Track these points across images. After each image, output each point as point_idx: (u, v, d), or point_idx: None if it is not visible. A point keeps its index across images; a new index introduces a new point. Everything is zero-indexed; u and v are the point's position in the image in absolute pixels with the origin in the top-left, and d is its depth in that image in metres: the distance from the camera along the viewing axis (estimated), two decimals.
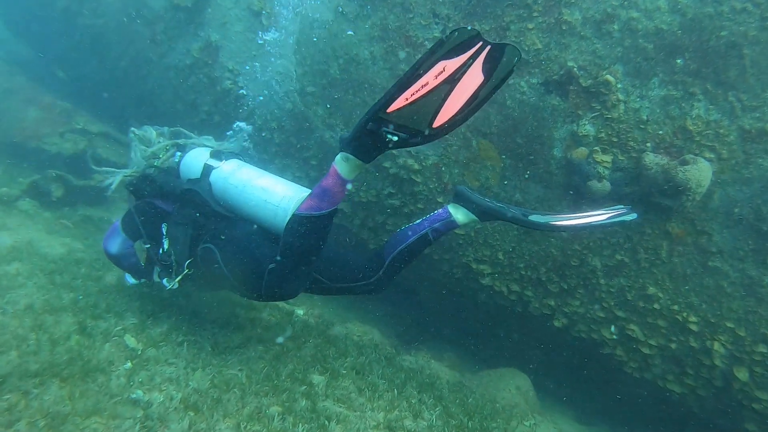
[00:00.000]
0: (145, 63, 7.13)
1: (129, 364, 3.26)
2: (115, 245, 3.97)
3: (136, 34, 7.05)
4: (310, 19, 5.26)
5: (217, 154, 3.90)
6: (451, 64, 2.48)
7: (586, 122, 3.91)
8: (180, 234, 3.65)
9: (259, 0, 5.60)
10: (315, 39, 5.24)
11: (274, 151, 5.80)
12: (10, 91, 7.84)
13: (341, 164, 2.97)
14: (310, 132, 5.57)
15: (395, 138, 2.65)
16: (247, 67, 5.89)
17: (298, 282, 3.33)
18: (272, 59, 5.65)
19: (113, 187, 3.97)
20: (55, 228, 5.57)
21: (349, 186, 3.05)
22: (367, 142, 2.77)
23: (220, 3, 5.98)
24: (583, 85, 3.86)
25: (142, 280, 4.13)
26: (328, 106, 5.32)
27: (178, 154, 4.03)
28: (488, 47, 2.46)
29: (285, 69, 5.58)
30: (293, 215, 3.11)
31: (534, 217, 3.20)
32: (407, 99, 2.53)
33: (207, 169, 3.75)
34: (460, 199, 3.29)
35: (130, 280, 4.17)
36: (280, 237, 3.26)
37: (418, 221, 3.43)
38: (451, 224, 3.32)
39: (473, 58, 2.48)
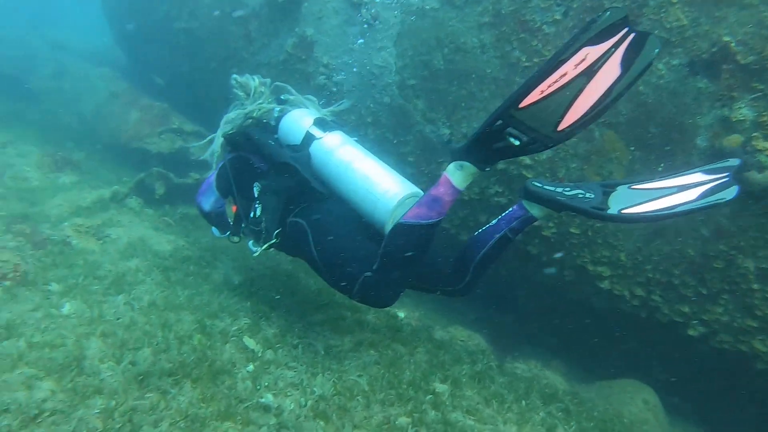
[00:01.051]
0: (237, 62, 7.17)
1: (251, 367, 3.17)
2: (209, 203, 3.90)
3: (229, 33, 7.11)
4: (413, 8, 5.05)
5: (321, 123, 3.63)
6: (593, 52, 2.20)
7: (743, 105, 3.45)
8: (272, 202, 3.49)
9: None
10: (418, 29, 5.02)
11: (369, 147, 5.65)
12: (115, 95, 8.19)
13: (455, 173, 2.78)
14: (409, 127, 5.37)
15: (517, 142, 2.45)
16: (343, 61, 5.77)
17: (394, 292, 3.11)
18: (370, 52, 5.49)
19: (217, 149, 3.90)
20: (159, 225, 5.68)
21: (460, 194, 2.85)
22: (487, 146, 2.58)
23: None
24: (742, 62, 3.40)
25: (227, 234, 4.01)
26: (431, 98, 5.09)
27: (278, 108, 3.88)
28: (632, 35, 2.18)
29: (384, 61, 5.40)
30: (399, 223, 2.90)
31: (614, 203, 2.74)
32: (542, 92, 2.28)
33: (308, 138, 3.53)
34: (532, 197, 2.96)
35: (217, 233, 4.08)
36: (375, 227, 3.13)
37: (494, 222, 3.13)
38: (528, 220, 3.01)
39: (615, 46, 2.20)
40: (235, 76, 4.02)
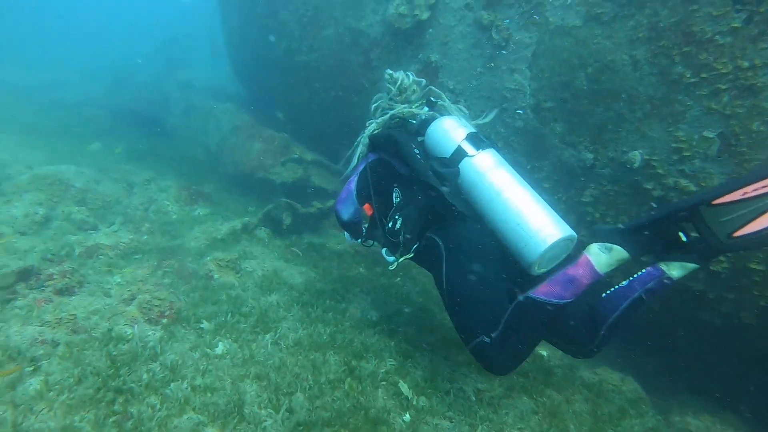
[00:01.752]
0: (357, 90, 7.23)
1: (408, 417, 2.97)
2: (348, 213, 3.71)
3: (349, 62, 7.18)
4: (551, 27, 4.75)
5: (474, 139, 3.36)
6: None
7: None
8: (413, 215, 3.29)
9: (489, 13, 5.24)
10: (557, 48, 4.71)
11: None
12: (238, 128, 8.56)
13: (599, 255, 2.55)
14: (545, 151, 5.04)
15: (684, 238, 2.35)
16: (471, 86, 5.57)
17: (511, 364, 2.83)
18: (502, 75, 5.24)
19: (362, 149, 3.79)
20: (287, 256, 5.72)
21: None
22: (653, 234, 2.40)
23: (442, 22, 5.77)
24: None
25: (359, 240, 3.82)
26: (571, 121, 4.74)
27: (425, 110, 3.70)
28: None
29: (517, 84, 5.12)
30: (528, 298, 2.67)
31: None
32: (745, 194, 2.11)
33: (459, 153, 3.30)
34: (670, 257, 2.53)
35: (349, 238, 3.93)
36: (518, 263, 2.95)
37: (625, 283, 2.72)
38: (667, 282, 2.58)
39: None
40: (389, 71, 3.87)
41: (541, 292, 2.66)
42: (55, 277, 4.04)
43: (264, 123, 8.54)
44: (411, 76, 3.87)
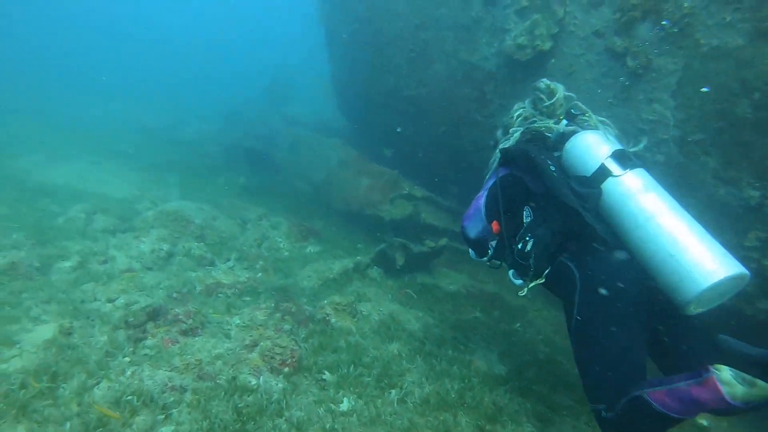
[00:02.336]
0: (468, 124, 6.98)
1: None
2: (475, 230, 3.45)
3: (460, 97, 6.97)
4: (702, 50, 4.23)
5: (621, 157, 3.01)
6: None
7: None
8: (546, 238, 3.01)
9: (623, 39, 4.80)
10: (710, 72, 4.17)
11: None
12: (346, 163, 8.59)
13: (733, 386, 2.10)
14: (692, 188, 4.45)
15: None
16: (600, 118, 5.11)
17: None
18: (638, 105, 4.76)
19: (493, 164, 3.56)
20: (401, 298, 5.49)
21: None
22: None
23: (566, 51, 5.39)
24: None
25: (485, 259, 3.55)
26: (729, 154, 4.14)
27: (565, 123, 3.41)
28: None
29: (656, 115, 4.62)
30: (639, 396, 2.38)
31: None
32: None
33: (603, 172, 2.97)
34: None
35: (474, 256, 3.67)
36: (669, 298, 2.63)
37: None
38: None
39: None
40: (545, 80, 3.62)
41: (656, 397, 2.33)
42: (180, 317, 4.07)
43: (372, 157, 8.50)
44: (562, 90, 3.58)
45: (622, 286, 2.67)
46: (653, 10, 4.58)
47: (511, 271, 3.29)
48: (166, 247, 5.98)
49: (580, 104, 3.56)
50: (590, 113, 3.49)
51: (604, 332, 2.63)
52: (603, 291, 2.68)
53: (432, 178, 8.09)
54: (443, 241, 6.55)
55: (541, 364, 4.30)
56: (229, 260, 6.04)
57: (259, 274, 5.61)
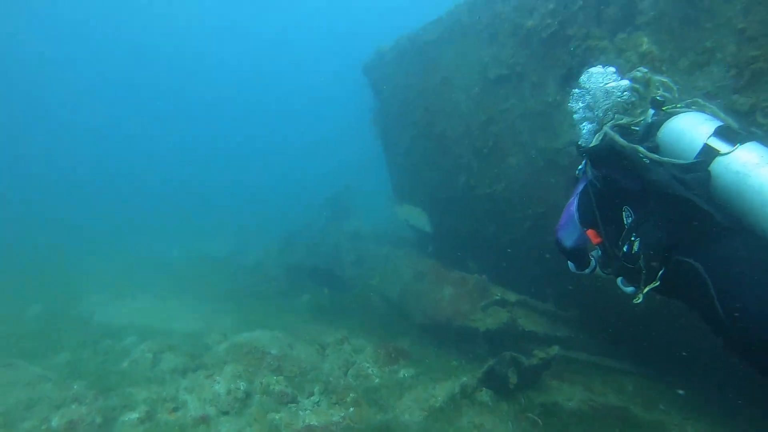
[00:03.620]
0: (558, 215, 6.31)
1: None
2: (571, 239, 3.23)
3: (545, 187, 6.38)
4: None
5: (725, 133, 2.62)
6: None
7: None
8: (654, 235, 2.72)
9: (747, 96, 4.18)
10: None
11: None
12: (422, 274, 7.97)
13: None
14: None
15: None
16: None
17: None
18: None
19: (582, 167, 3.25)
20: (524, 425, 4.51)
21: None
22: None
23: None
24: None
25: (588, 271, 3.34)
26: None
27: (651, 112, 3.01)
28: None
29: None
30: None
31: None
32: None
33: (707, 153, 2.61)
34: None
35: (573, 268, 3.43)
36: None
37: None
38: None
39: None
40: (643, 68, 3.20)
41: None
42: None
43: (450, 264, 7.85)
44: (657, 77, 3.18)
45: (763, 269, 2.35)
46: None
47: (619, 279, 3.05)
48: (242, 385, 5.31)
49: (669, 83, 3.16)
50: (677, 93, 3.13)
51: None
52: (745, 284, 2.36)
53: (521, 279, 7.30)
54: (554, 350, 5.62)
55: None
56: (313, 395, 5.28)
57: (352, 410, 4.81)
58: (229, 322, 8.26)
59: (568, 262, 3.46)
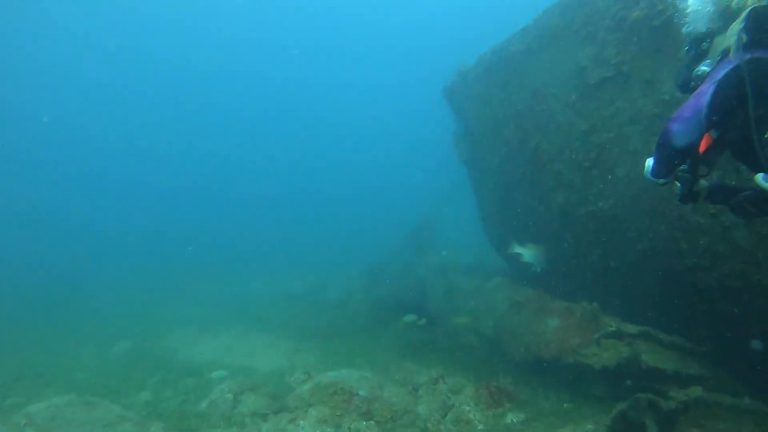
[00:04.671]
0: (685, 233, 5.39)
1: None
2: (686, 138, 2.73)
3: (664, 202, 5.50)
4: None
5: None
6: None
7: None
8: None
9: None
10: None
11: None
12: (519, 304, 7.20)
13: None
14: None
15: None
16: None
17: None
18: None
19: (731, 39, 2.66)
20: None
21: None
22: None
23: None
24: None
25: (661, 181, 3.01)
26: None
27: None
28: None
29: None
30: None
31: None
32: None
33: None
34: None
35: (652, 174, 3.03)
36: None
37: None
38: None
39: None
40: None
41: None
42: None
43: (552, 292, 7.02)
44: None
45: None
46: None
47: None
48: (329, 431, 4.74)
49: None
50: None
51: None
52: None
53: (638, 308, 6.33)
54: (697, 391, 4.66)
55: None
56: None
57: None
58: (313, 360, 7.83)
59: (650, 160, 3.05)
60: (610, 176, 6.21)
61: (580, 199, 6.76)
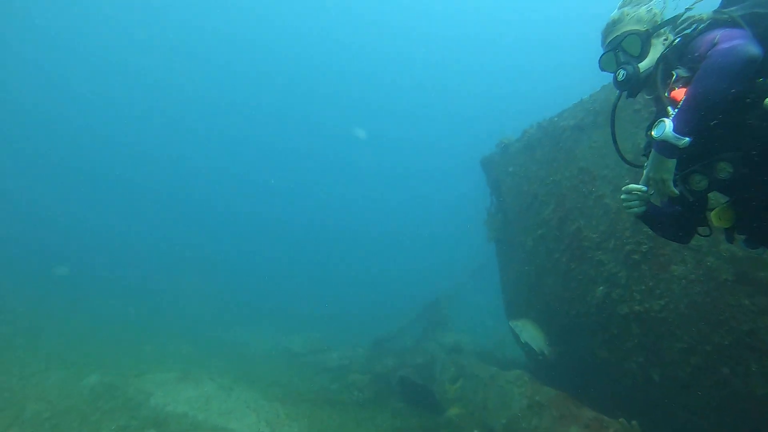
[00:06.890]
0: (751, 351, 4.53)
1: None
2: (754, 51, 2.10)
3: (731, 312, 4.70)
4: None
5: None
6: None
7: None
8: None
9: None
10: None
11: None
12: (539, 406, 6.26)
13: None
14: None
15: None
16: None
17: None
18: None
19: None
20: None
21: None
22: None
23: None
24: None
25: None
26: None
27: None
28: None
29: None
30: None
31: None
32: None
33: None
34: None
35: (666, 128, 2.25)
36: None
37: None
38: None
39: None
40: None
41: None
42: None
43: (579, 397, 6.08)
44: None
45: None
46: None
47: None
48: None
49: None
50: None
51: None
52: None
53: (683, 421, 5.36)
54: None
55: None
56: None
57: None
58: (298, 429, 6.89)
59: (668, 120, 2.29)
60: (663, 274, 5.42)
61: (623, 295, 5.94)
